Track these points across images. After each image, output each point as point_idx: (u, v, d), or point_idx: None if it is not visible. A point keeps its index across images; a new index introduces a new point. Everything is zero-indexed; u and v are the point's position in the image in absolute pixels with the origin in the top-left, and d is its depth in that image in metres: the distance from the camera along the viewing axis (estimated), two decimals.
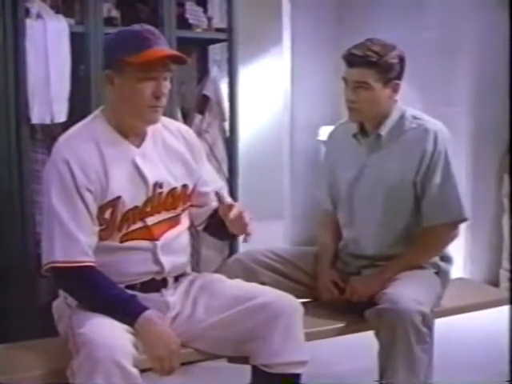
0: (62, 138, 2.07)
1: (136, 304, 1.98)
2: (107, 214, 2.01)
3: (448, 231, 2.47)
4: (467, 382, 2.76)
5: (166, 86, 2.02)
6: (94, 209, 1.99)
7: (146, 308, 1.97)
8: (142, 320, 1.93)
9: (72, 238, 1.95)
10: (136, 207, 2.05)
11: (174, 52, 2.06)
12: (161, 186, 2.09)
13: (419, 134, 2.43)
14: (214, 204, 2.24)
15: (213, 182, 2.29)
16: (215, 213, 2.24)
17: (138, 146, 2.08)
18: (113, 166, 2.01)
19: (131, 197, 2.04)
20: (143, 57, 1.95)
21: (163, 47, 2.01)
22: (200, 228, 2.33)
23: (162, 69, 2.00)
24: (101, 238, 2.03)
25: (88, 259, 1.97)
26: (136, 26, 2.03)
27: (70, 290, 2.04)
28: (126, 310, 1.96)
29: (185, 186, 2.15)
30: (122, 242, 2.05)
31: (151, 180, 2.07)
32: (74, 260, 1.95)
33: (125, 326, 1.92)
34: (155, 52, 1.97)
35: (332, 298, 2.49)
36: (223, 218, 2.10)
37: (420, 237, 2.45)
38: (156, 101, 2.01)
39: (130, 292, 2.04)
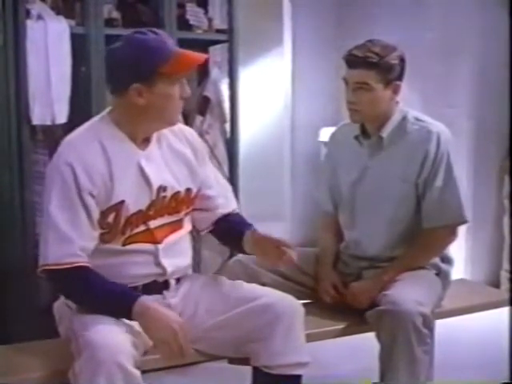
0: (67, 139, 2.04)
1: (129, 293, 1.96)
2: (110, 218, 2.00)
3: (448, 233, 2.47)
4: (467, 382, 2.76)
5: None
6: (96, 213, 1.98)
7: (139, 295, 1.94)
8: (138, 307, 1.91)
9: (65, 241, 1.93)
10: (140, 211, 2.04)
11: (206, 56, 2.05)
12: (164, 189, 2.08)
13: (422, 135, 2.42)
14: (221, 210, 2.25)
15: (217, 185, 2.27)
16: (222, 218, 2.25)
17: (144, 148, 2.07)
18: (118, 170, 2.00)
19: (135, 201, 2.03)
20: (178, 65, 1.96)
21: (180, 49, 2.02)
22: (203, 233, 2.32)
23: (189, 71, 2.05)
24: (103, 241, 2.02)
25: (79, 260, 1.95)
26: (148, 34, 1.98)
27: (65, 292, 2.04)
28: (119, 301, 1.94)
29: (188, 190, 2.14)
30: (124, 244, 2.05)
31: (155, 184, 2.05)
32: (64, 262, 1.93)
33: (125, 328, 1.91)
34: (187, 58, 1.99)
35: (332, 301, 2.49)
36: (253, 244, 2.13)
37: (419, 238, 2.45)
38: (182, 102, 2.03)
39: None
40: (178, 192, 2.11)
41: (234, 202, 2.33)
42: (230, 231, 2.23)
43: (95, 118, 2.10)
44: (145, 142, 2.08)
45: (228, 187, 2.36)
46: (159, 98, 1.98)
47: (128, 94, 1.98)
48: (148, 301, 1.94)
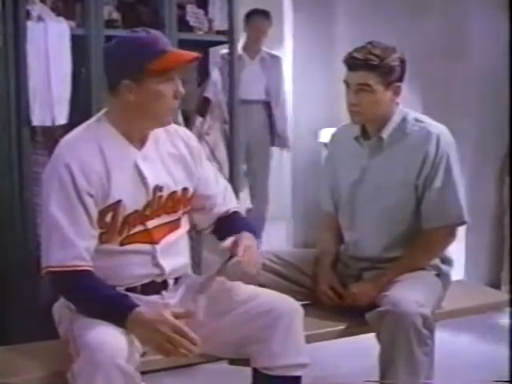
0: (64, 140, 2.05)
1: (125, 303, 1.93)
2: (108, 218, 2.00)
3: (447, 234, 2.47)
4: (467, 383, 2.76)
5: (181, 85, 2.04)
6: (95, 213, 1.98)
7: (135, 305, 1.91)
8: (133, 318, 1.88)
9: (68, 243, 1.93)
10: (136, 211, 2.04)
11: (196, 54, 2.04)
12: (161, 189, 2.08)
13: (422, 136, 2.42)
14: (221, 208, 2.26)
15: (216, 184, 2.28)
16: (223, 217, 2.26)
17: (140, 148, 2.07)
18: (115, 170, 2.00)
19: (132, 200, 2.03)
20: (166, 62, 1.95)
21: (175, 48, 2.02)
22: (206, 232, 2.33)
23: (180, 69, 2.02)
24: (101, 241, 2.02)
25: (83, 263, 1.95)
26: (141, 32, 2.01)
27: (66, 294, 2.03)
28: (115, 310, 1.91)
29: (185, 190, 2.14)
30: (122, 245, 2.04)
31: (151, 183, 2.06)
32: (69, 264, 1.93)
33: (124, 329, 1.91)
34: (176, 56, 2.00)
35: (331, 302, 2.48)
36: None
37: (419, 239, 2.45)
38: (175, 102, 2.02)
39: (131, 294, 2.02)
40: (175, 192, 2.11)
41: (234, 201, 2.34)
42: (228, 232, 2.21)
43: (92, 119, 2.11)
44: (141, 141, 2.08)
45: (227, 186, 2.36)
46: (149, 96, 1.98)
47: (119, 91, 1.99)
48: (141, 313, 1.89)
